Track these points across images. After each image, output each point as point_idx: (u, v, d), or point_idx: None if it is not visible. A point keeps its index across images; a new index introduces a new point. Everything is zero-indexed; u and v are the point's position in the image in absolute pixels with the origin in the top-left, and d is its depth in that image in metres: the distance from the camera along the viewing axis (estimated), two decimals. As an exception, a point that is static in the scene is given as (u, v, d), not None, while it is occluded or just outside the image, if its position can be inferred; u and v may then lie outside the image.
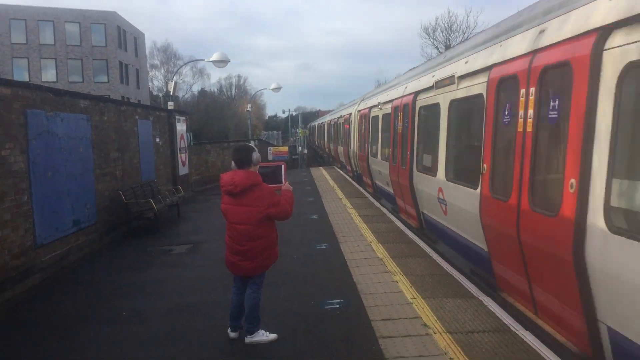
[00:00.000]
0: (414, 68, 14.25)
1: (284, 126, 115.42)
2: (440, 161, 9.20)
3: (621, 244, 4.14)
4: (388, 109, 14.39)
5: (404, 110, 12.16)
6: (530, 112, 5.69)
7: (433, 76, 9.99)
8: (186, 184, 20.39)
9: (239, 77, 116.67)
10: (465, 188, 7.79)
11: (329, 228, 12.04)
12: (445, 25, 52.78)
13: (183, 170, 19.99)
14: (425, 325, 5.92)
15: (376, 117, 16.52)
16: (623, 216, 4.34)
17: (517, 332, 5.65)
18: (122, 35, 65.27)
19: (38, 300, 7.93)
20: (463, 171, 8.40)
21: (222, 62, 20.45)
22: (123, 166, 13.80)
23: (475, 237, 7.55)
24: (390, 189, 14.44)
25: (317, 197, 17.42)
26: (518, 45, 6.23)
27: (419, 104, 11.03)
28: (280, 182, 6.02)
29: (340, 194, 18.35)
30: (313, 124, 70.62)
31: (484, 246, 7.23)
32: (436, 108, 9.58)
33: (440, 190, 9.20)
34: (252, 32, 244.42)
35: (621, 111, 4.27)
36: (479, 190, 7.11)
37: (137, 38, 71.59)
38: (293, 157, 41.61)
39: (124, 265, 9.88)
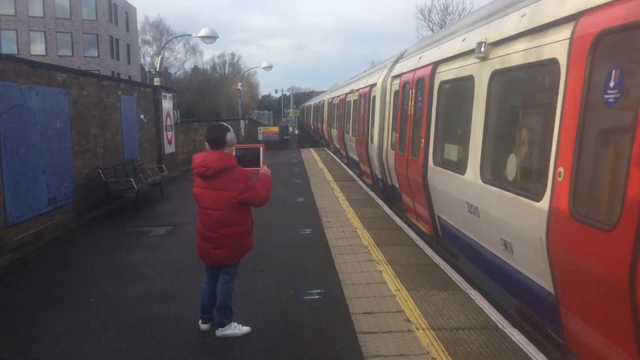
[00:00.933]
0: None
1: (277, 106, 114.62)
2: (473, 155, 6.86)
3: None
4: (395, 85, 12.21)
5: (417, 87, 9.97)
6: None
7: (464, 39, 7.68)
8: (172, 163, 19.94)
9: (232, 55, 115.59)
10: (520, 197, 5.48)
11: (315, 212, 11.68)
12: (442, 6, 52.51)
13: (169, 149, 19.53)
14: (408, 320, 5.60)
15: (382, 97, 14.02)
16: None
17: (504, 329, 5.34)
18: (112, 9, 64.04)
19: (1, 284, 7.54)
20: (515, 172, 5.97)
21: (211, 38, 19.87)
22: (104, 143, 13.35)
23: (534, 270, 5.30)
24: (396, 183, 12.00)
25: (305, 180, 17.04)
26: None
27: (439, 78, 8.75)
28: (258, 166, 5.63)
29: (329, 176, 17.98)
30: (306, 104, 69.97)
31: (549, 287, 4.99)
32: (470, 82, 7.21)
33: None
34: (247, 10, 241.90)
35: None
36: (546, 203, 4.85)
37: (129, 13, 70.33)
38: (284, 137, 41.11)
39: (99, 247, 9.49)
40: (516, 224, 5.45)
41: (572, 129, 4.45)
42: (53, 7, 58.98)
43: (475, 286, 6.74)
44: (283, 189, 14.64)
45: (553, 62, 4.93)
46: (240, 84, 40.22)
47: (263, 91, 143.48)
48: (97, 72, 48.20)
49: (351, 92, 20.44)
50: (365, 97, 16.40)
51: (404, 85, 11.09)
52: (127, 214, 12.40)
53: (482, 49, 6.54)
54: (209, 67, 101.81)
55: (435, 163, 8.62)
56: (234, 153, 5.40)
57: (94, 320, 6.01)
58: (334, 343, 5.17)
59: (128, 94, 15.40)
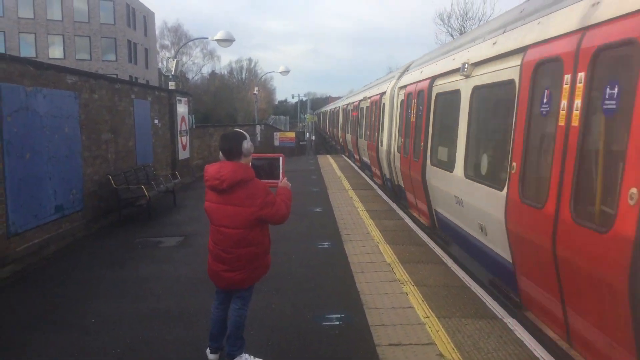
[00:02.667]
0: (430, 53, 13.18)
1: (293, 111, 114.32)
2: (459, 156, 8.30)
3: None
4: (401, 95, 13.41)
5: (418, 97, 11.35)
6: None
7: (453, 59, 9.21)
8: (187, 169, 19.49)
9: (249, 60, 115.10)
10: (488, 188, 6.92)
11: (333, 224, 11.09)
12: (461, 12, 51.57)
13: (183, 155, 19.07)
14: (441, 355, 4.96)
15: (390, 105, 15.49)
16: None
17: (550, 368, 4.70)
18: (131, 14, 64.08)
19: None
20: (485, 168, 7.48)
21: (227, 41, 19.39)
22: (116, 149, 12.88)
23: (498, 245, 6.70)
24: (401, 182, 13.50)
25: (323, 188, 16.46)
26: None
27: (435, 90, 10.18)
28: (277, 178, 5.02)
29: (346, 184, 17.37)
30: (322, 110, 69.54)
31: (509, 258, 6.32)
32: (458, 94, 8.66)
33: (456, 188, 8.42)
34: (264, 15, 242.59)
35: None
36: (505, 191, 6.26)
37: (147, 17, 70.42)
38: (301, 143, 40.58)
39: (106, 258, 8.98)
40: (487, 209, 6.82)
41: (521, 132, 5.94)
42: (71, 11, 59.11)
43: (511, 312, 6.11)
44: (300, 198, 14.03)
45: (511, 82, 6.39)
46: (256, 88, 39.80)
47: (280, 96, 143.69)
48: (114, 75, 48.18)
49: (364, 99, 21.77)
50: (376, 105, 17.74)
51: (408, 95, 12.58)
52: (137, 222, 11.91)
53: (465, 68, 8.03)
54: (226, 72, 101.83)
55: (432, 163, 10.02)
56: (250, 163, 4.81)
57: (92, 343, 5.48)
58: (357, 381, 4.57)
59: (142, 97, 14.96)
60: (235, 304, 4.86)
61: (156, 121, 16.26)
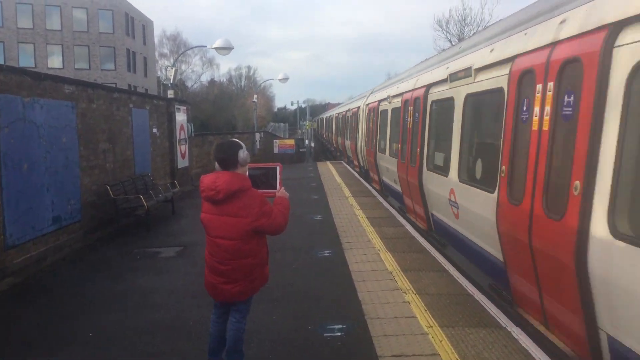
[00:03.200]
0: (426, 60, 13.68)
1: (293, 118, 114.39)
2: (453, 160, 8.65)
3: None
4: (398, 102, 13.61)
5: (415, 104, 11.61)
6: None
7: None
8: (186, 178, 19.41)
9: (248, 67, 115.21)
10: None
11: (334, 231, 11.00)
12: (459, 17, 51.35)
13: (182, 163, 18.99)
14: (445, 366, 4.89)
15: (385, 111, 15.77)
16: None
17: (557, 378, 4.62)
18: (129, 22, 64.19)
19: (-3, 312, 6.96)
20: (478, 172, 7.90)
21: (226, 49, 19.37)
22: (114, 158, 12.81)
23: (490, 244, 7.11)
24: (398, 187, 13.83)
25: (322, 195, 16.37)
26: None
27: (430, 97, 10.42)
28: (275, 188, 4.94)
29: (347, 192, 17.29)
30: (321, 116, 69.54)
31: (501, 257, 6.68)
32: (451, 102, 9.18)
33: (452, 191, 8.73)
34: (263, 22, 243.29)
35: None
36: (496, 193, 6.65)
37: (146, 26, 70.55)
38: (300, 150, 40.51)
39: (104, 270, 8.89)
40: (480, 211, 7.09)
41: (508, 138, 6.33)
42: (70, 21, 59.25)
43: (515, 321, 6.01)
44: (299, 206, 13.97)
45: (501, 90, 6.74)
46: (255, 96, 39.76)
47: (279, 103, 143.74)
48: (113, 84, 48.23)
49: (362, 106, 22.47)
50: (374, 111, 17.85)
51: (404, 103, 12.98)
52: (136, 232, 11.82)
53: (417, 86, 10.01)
54: (225, 80, 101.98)
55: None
56: (247, 173, 4.73)
57: (91, 358, 5.39)
58: (360, 394, 4.48)
59: (140, 106, 14.90)
60: (233, 317, 4.77)
61: (155, 130, 16.20)
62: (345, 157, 31.29)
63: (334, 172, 24.75)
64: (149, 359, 5.34)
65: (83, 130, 11.08)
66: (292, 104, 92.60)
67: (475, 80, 7.77)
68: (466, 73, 8.15)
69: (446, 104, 9.30)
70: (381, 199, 15.44)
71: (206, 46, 27.46)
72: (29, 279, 8.45)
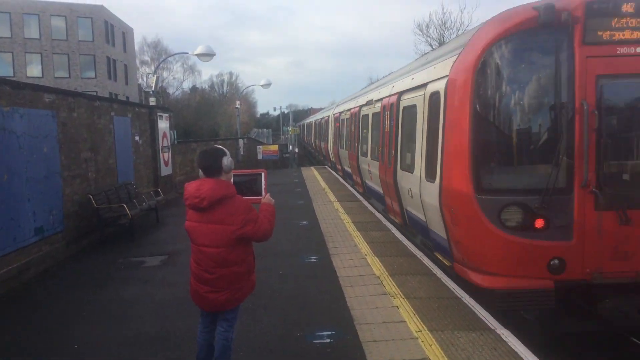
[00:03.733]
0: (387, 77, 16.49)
1: (275, 124, 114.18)
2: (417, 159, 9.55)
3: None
4: (378, 108, 13.92)
5: (391, 109, 12.15)
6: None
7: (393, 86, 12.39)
8: (169, 185, 19.26)
9: (230, 74, 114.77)
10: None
11: (320, 237, 10.96)
12: (439, 21, 51.61)
13: (166, 171, 18.84)
14: (436, 371, 4.86)
15: (366, 116, 16.21)
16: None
17: (547, 380, 4.61)
18: (109, 30, 63.63)
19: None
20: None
21: (208, 56, 19.28)
22: (96, 167, 12.65)
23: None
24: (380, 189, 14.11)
25: (308, 201, 16.33)
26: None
27: (402, 104, 10.95)
28: (260, 194, 4.87)
29: (332, 197, 17.27)
30: (304, 122, 69.59)
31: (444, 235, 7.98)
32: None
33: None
34: (244, 29, 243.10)
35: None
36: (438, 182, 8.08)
37: (126, 33, 70.02)
38: (284, 155, 40.43)
39: (88, 281, 8.76)
40: (430, 200, 8.10)
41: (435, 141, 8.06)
42: (49, 29, 58.55)
43: (505, 323, 6.02)
44: (285, 212, 13.88)
45: (415, 106, 9.47)
46: (238, 102, 39.62)
47: (261, 109, 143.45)
48: (94, 93, 47.77)
49: (344, 111, 23.77)
50: (355, 116, 18.44)
51: (383, 108, 13.75)
52: (120, 242, 11.68)
53: (372, 102, 14.02)
54: (207, 87, 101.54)
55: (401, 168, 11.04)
56: (231, 180, 4.67)
57: (76, 373, 5.29)
58: (351, 401, 4.44)
59: (122, 114, 14.76)
60: (221, 327, 4.68)
61: (137, 138, 16.05)
62: (328, 161, 31.99)
63: (318, 177, 24.73)
64: (136, 371, 5.25)
65: (64, 140, 10.93)
66: (274, 109, 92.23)
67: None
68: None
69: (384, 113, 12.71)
70: (366, 204, 15.44)
71: (188, 53, 27.31)
72: (11, 291, 8.28)
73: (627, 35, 6.26)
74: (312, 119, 55.56)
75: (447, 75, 7.46)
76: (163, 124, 18.59)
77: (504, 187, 6.49)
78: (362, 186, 17.82)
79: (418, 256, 9.07)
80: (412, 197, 9.45)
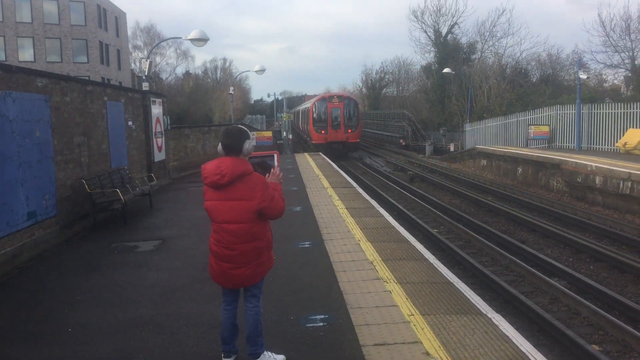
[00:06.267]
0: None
1: (269, 110, 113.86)
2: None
3: None
4: (303, 110, 44.36)
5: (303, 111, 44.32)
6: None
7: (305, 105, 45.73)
8: (163, 171, 19.22)
9: (224, 60, 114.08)
10: None
11: (314, 223, 11.00)
12: (435, 8, 51.74)
13: (159, 156, 18.79)
14: (428, 353, 4.91)
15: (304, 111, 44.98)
16: None
17: (537, 362, 4.68)
18: (102, 15, 63.00)
19: (-27, 311, 6.81)
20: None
21: (201, 41, 19.14)
22: (89, 152, 12.60)
23: None
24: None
25: (302, 187, 16.36)
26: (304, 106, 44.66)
27: (303, 109, 45.04)
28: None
29: (325, 183, 17.30)
30: (297, 108, 69.78)
31: None
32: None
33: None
34: (239, 14, 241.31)
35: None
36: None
37: (119, 18, 69.39)
38: (278, 142, 40.36)
39: (82, 265, 8.77)
40: (305, 130, 38.07)
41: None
42: (41, 13, 57.90)
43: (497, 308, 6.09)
44: (279, 198, 13.91)
45: (307, 109, 42.28)
46: (232, 88, 39.46)
47: (255, 95, 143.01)
48: (86, 78, 47.36)
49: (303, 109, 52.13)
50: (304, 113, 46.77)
51: (305, 110, 47.59)
52: (113, 227, 11.68)
53: (303, 108, 48.09)
54: (200, 72, 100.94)
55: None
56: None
57: (71, 355, 5.31)
58: (344, 383, 4.49)
59: (115, 99, 14.68)
60: (249, 303, 4.83)
61: (130, 123, 15.99)
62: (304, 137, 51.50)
63: (312, 163, 24.74)
64: (130, 355, 5.27)
65: (57, 124, 10.88)
66: (268, 96, 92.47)
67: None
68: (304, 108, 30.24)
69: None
70: (360, 190, 15.49)
71: (181, 38, 27.15)
72: (4, 276, 8.29)
73: None
74: (302, 106, 60.73)
75: (310, 105, 27.73)
76: (156, 109, 18.51)
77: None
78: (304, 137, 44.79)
79: (411, 242, 9.13)
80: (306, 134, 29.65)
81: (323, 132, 37.03)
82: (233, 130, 4.67)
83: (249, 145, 4.61)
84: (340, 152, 36.78)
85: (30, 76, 10.06)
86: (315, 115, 37.47)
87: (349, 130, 37.19)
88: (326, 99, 38.42)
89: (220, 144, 4.64)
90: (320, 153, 31.46)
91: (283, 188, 5.03)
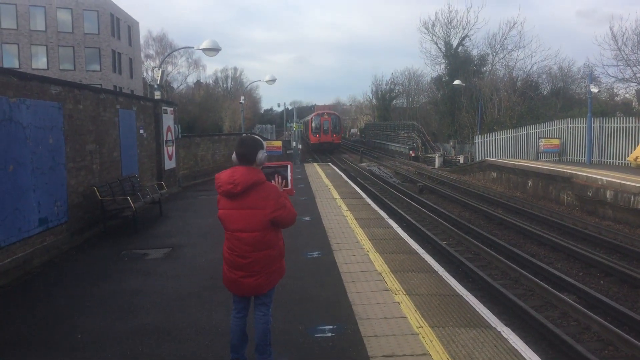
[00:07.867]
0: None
1: (279, 120, 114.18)
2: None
3: None
4: (305, 122, 60.53)
5: (306, 123, 61.47)
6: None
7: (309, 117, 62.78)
8: (173, 179, 19.32)
9: (235, 69, 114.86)
10: None
11: (322, 233, 11.01)
12: (445, 20, 51.74)
13: (169, 165, 18.89)
14: (436, 366, 4.90)
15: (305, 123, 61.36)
16: None
17: (547, 377, 4.66)
18: (115, 23, 63.65)
19: (-17, 315, 6.86)
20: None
21: (213, 50, 19.28)
22: (101, 159, 12.70)
23: None
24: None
25: (311, 197, 16.40)
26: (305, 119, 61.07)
27: (306, 121, 60.09)
28: (286, 186, 5.01)
29: (335, 193, 17.32)
30: (306, 118, 70.69)
31: None
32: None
33: None
34: (249, 24, 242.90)
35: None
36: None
37: (131, 26, 70.05)
38: (287, 152, 40.42)
39: (91, 272, 8.82)
40: (306, 136, 60.43)
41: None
42: (55, 21, 58.60)
43: (506, 321, 6.06)
44: (288, 207, 13.94)
45: (307, 121, 65.02)
46: (243, 97, 39.64)
47: (265, 105, 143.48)
48: (99, 85, 47.79)
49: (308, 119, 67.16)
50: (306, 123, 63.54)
51: (306, 122, 65.55)
52: (123, 234, 11.74)
53: (305, 120, 65.84)
54: (211, 81, 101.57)
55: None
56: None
57: (79, 362, 5.34)
58: (352, 394, 4.48)
59: (127, 107, 14.81)
60: (259, 312, 4.86)
61: (142, 131, 16.10)
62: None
63: (321, 173, 24.77)
64: (139, 361, 5.30)
65: (70, 131, 10.98)
66: (278, 105, 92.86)
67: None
68: (305, 120, 41.39)
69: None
70: (369, 201, 15.50)
71: (193, 47, 27.36)
72: (15, 281, 8.35)
73: None
74: (303, 120, 74.45)
75: (310, 118, 44.31)
76: (168, 118, 18.64)
77: None
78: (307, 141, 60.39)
79: (420, 253, 9.12)
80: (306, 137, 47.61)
81: (317, 136, 58.07)
82: (247, 139, 4.73)
83: (262, 155, 4.66)
84: (328, 148, 57.14)
85: (44, 84, 10.17)
86: (312, 125, 58.95)
87: (334, 135, 58.62)
88: (319, 115, 60.95)
89: (234, 153, 4.70)
90: (330, 163, 31.46)
91: (293, 198, 5.06)
